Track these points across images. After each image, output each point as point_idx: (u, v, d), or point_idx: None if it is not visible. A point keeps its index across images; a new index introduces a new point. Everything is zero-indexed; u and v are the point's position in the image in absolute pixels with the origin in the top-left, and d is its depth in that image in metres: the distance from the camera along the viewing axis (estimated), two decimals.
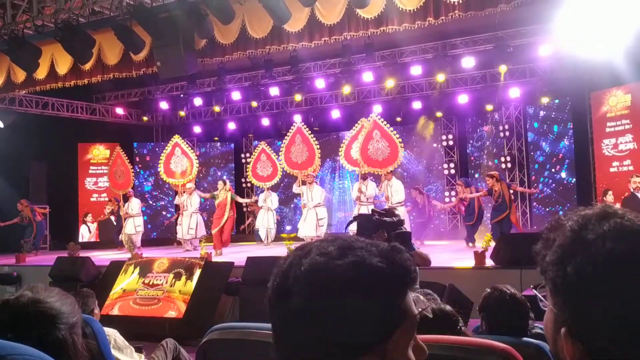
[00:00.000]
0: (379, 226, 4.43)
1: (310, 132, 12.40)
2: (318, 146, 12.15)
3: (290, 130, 12.54)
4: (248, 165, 16.76)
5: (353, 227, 5.60)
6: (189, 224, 13.11)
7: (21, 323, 1.39)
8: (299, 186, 12.32)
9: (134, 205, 13.79)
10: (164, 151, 13.39)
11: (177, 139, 13.29)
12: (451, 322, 2.42)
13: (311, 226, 12.03)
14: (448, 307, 2.51)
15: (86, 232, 16.14)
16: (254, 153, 13.69)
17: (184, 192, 13.15)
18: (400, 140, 10.96)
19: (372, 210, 4.77)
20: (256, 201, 14.71)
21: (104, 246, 14.92)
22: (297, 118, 16.11)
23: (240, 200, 13.67)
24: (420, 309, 0.93)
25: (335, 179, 16.93)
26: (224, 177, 15.10)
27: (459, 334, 2.38)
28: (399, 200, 11.45)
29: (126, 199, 13.93)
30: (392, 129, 11.09)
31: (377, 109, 15.13)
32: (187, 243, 13.26)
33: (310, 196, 12.16)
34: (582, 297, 0.86)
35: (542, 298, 0.95)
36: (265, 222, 13.58)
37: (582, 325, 0.87)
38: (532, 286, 1.00)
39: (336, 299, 0.86)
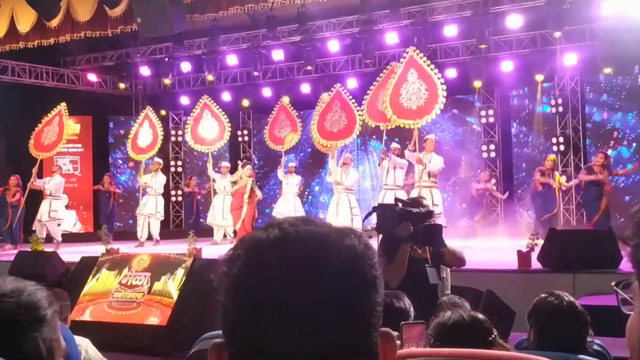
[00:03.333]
0: (404, 218, 4.42)
1: (349, 95, 12.46)
2: (360, 112, 12.01)
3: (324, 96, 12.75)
4: (246, 145, 16.95)
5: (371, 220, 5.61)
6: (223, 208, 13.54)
7: None
8: (333, 159, 12.34)
9: (55, 183, 13.48)
10: (192, 114, 14.35)
11: (205, 99, 14.23)
12: (483, 331, 2.43)
13: (346, 214, 11.97)
14: (481, 315, 2.53)
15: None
16: (272, 112, 14.48)
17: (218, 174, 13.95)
18: (442, 80, 10.47)
19: (396, 198, 4.75)
20: None
21: (84, 239, 15.07)
22: (305, 87, 16.09)
23: (259, 193, 13.43)
24: None
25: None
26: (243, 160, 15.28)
27: (492, 346, 2.39)
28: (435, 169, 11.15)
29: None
30: (431, 65, 10.65)
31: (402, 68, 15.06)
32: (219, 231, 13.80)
33: (345, 179, 12.16)
34: None
35: (628, 298, 0.94)
36: (284, 211, 13.17)
37: None
38: (613, 283, 0.99)
39: None
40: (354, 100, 12.31)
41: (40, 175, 13.66)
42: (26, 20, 10.86)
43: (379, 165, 11.75)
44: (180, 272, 8.22)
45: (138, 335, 7.85)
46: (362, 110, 11.79)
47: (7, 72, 15.47)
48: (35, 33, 11.04)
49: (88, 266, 9.08)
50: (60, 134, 13.64)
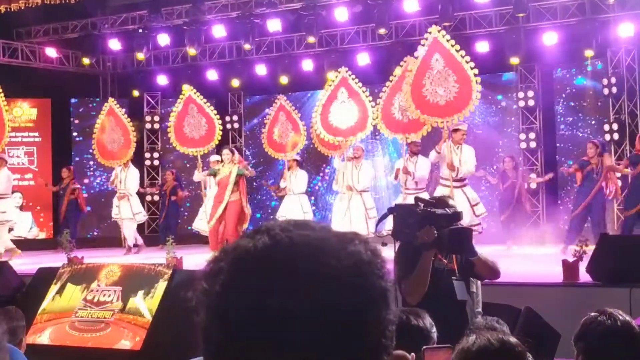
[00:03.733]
0: (426, 220, 4.41)
1: (358, 81, 12.37)
2: (372, 102, 12.01)
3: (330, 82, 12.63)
4: (236, 133, 17.00)
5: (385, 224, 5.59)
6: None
7: None
8: (340, 158, 12.43)
9: (2, 180, 13.29)
10: (174, 109, 14.07)
11: (190, 91, 13.86)
12: (515, 358, 2.44)
13: (359, 217, 12.00)
14: (512, 339, 2.53)
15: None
16: (270, 113, 14.31)
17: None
18: (475, 72, 10.31)
19: (416, 198, 4.75)
20: (277, 187, 14.78)
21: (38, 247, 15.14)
22: (308, 64, 16.09)
23: (250, 172, 13.13)
24: None
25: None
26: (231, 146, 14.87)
27: None
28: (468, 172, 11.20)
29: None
30: (462, 52, 10.49)
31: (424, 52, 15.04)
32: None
33: (357, 176, 12.21)
34: None
35: None
36: (290, 212, 13.41)
37: None
38: None
39: None
40: (364, 88, 12.25)
41: None
42: None
43: (395, 179, 11.71)
44: (157, 286, 8.24)
45: None
46: (375, 107, 11.79)
47: None
48: None
49: (47, 279, 9.10)
50: (1, 121, 13.44)
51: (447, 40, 10.46)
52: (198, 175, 13.70)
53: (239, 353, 0.88)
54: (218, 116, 13.88)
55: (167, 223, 15.50)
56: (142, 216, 14.28)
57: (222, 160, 12.64)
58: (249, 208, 12.96)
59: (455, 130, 10.76)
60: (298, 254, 0.90)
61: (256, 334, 0.88)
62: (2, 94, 13.57)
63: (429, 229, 4.40)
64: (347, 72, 12.45)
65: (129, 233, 13.91)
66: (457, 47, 10.45)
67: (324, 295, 0.88)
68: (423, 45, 10.62)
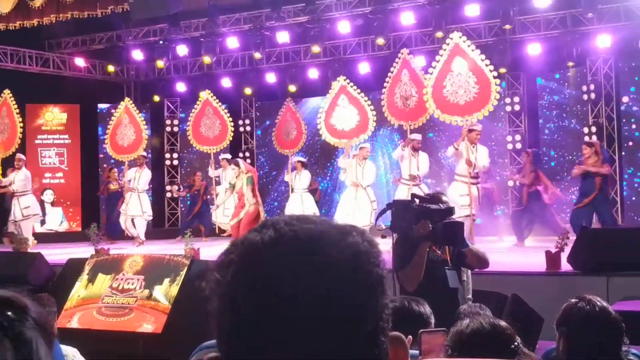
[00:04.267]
0: (422, 215, 4.41)
1: (356, 88, 12.48)
2: (371, 106, 12.16)
3: (330, 91, 12.71)
4: (248, 136, 17.09)
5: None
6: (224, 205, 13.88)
7: None
8: (345, 158, 12.47)
9: (21, 179, 13.45)
10: (192, 111, 14.63)
11: (208, 95, 14.47)
12: (504, 339, 2.43)
13: (365, 212, 11.97)
14: (502, 322, 2.53)
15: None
16: (279, 114, 14.96)
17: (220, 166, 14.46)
18: (494, 73, 10.21)
19: (413, 194, 4.75)
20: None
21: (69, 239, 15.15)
22: (313, 72, 16.08)
23: (237, 188, 12.86)
24: None
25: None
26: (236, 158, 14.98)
27: (514, 355, 2.40)
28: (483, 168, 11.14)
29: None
30: (482, 56, 10.37)
31: (420, 61, 14.99)
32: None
33: (362, 173, 12.22)
34: None
35: None
36: (293, 209, 13.53)
37: None
38: None
39: None
40: (362, 94, 12.35)
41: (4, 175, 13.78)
42: (7, 0, 10.89)
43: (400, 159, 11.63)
44: (176, 275, 8.25)
45: (130, 344, 7.88)
46: (371, 105, 11.95)
47: None
48: (18, 13, 11.08)
49: (76, 269, 9.12)
50: (14, 126, 13.69)
51: (468, 46, 10.39)
52: (213, 172, 14.16)
53: (248, 337, 0.89)
54: (231, 119, 14.19)
55: (200, 221, 15.37)
56: (148, 215, 14.06)
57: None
58: (264, 212, 13.19)
59: (471, 130, 10.63)
60: (301, 246, 0.90)
61: (264, 319, 0.88)
62: (13, 99, 13.84)
63: (424, 223, 4.39)
64: (345, 80, 12.53)
65: (141, 228, 13.83)
66: (478, 51, 10.40)
67: (326, 283, 0.88)
68: (444, 50, 10.50)
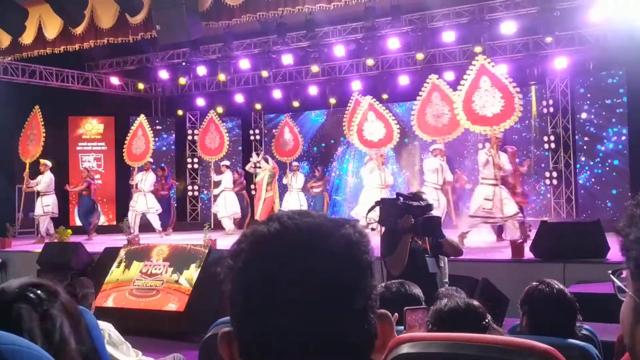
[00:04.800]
0: (405, 211, 4.42)
1: (380, 104, 12.61)
2: (394, 120, 12.40)
3: (358, 107, 12.71)
4: (257, 143, 17.17)
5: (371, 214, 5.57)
6: (225, 203, 14.34)
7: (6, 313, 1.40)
8: (373, 165, 12.51)
9: (46, 181, 13.78)
10: (200, 127, 15.50)
11: (213, 114, 15.17)
12: (477, 316, 2.44)
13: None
14: (475, 302, 2.54)
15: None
16: (278, 127, 15.44)
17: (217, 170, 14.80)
18: (517, 89, 9.92)
19: (397, 193, 4.74)
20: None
21: (105, 231, 15.15)
22: (313, 90, 16.10)
23: (258, 178, 14.10)
24: None
25: (352, 159, 16.77)
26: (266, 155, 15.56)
27: (486, 330, 2.40)
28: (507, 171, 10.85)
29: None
30: (505, 74, 10.25)
31: (404, 80, 15.01)
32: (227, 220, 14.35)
33: (384, 177, 12.34)
34: None
35: (622, 285, 0.94)
36: (290, 204, 14.00)
37: None
38: (609, 272, 0.99)
39: None
40: (387, 111, 12.51)
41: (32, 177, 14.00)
42: (53, 28, 10.88)
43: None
44: (196, 262, 8.26)
45: (157, 320, 7.89)
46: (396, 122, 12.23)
47: (36, 75, 15.50)
48: (62, 39, 11.07)
49: (111, 256, 9.13)
50: (39, 136, 13.96)
51: (492, 66, 10.31)
52: (214, 176, 14.71)
53: (256, 314, 0.89)
54: (227, 134, 14.95)
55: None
56: (155, 210, 14.04)
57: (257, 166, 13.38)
58: (279, 203, 13.89)
59: (492, 139, 10.34)
60: (302, 237, 0.91)
61: (269, 300, 0.88)
62: (40, 111, 14.18)
63: (407, 218, 4.40)
64: (371, 99, 12.63)
65: (155, 221, 13.90)
66: (502, 70, 10.26)
67: (322, 268, 0.89)
68: (471, 69, 10.35)
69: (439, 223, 4.53)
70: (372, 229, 9.49)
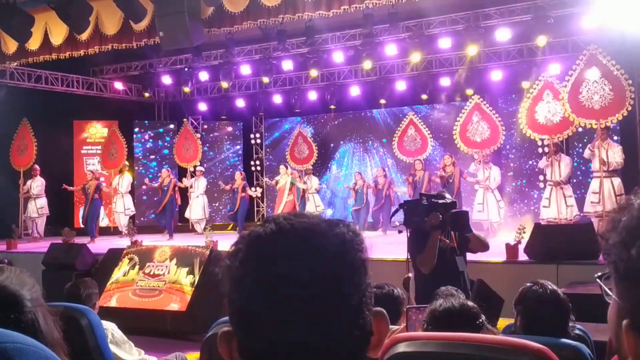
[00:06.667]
0: (432, 208, 4.41)
1: (488, 106, 12.49)
2: (500, 121, 12.28)
3: (464, 110, 12.67)
4: (258, 147, 17.16)
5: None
6: (200, 206, 14.99)
7: None
8: (477, 165, 12.60)
9: (37, 184, 14.45)
10: (177, 136, 15.99)
11: (186, 124, 15.95)
12: (471, 316, 2.44)
13: (494, 209, 12.24)
14: (470, 302, 2.54)
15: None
16: (292, 137, 15.77)
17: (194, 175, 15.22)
18: (629, 82, 9.31)
19: (421, 194, 4.76)
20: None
21: (109, 232, 15.17)
22: (312, 95, 16.11)
23: (300, 185, 14.47)
24: None
25: (354, 161, 16.83)
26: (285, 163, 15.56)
27: (480, 330, 2.40)
28: (567, 176, 11.11)
29: (28, 176, 14.61)
30: (617, 65, 9.48)
31: (401, 85, 15.02)
32: (197, 224, 14.99)
33: (490, 176, 12.40)
34: None
35: (607, 289, 0.94)
36: (309, 207, 14.12)
37: None
38: (596, 275, 1.00)
39: None
40: (494, 111, 12.44)
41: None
42: (59, 34, 10.88)
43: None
44: (198, 263, 8.25)
45: (160, 320, 7.88)
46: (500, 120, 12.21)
47: (41, 80, 15.50)
48: (67, 45, 11.07)
49: (115, 257, 9.13)
50: (30, 146, 14.55)
51: (604, 57, 9.57)
52: (185, 182, 15.23)
53: (253, 313, 0.89)
54: (200, 142, 15.77)
55: (236, 215, 15.12)
56: (131, 212, 14.87)
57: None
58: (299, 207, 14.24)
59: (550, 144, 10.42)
60: (297, 236, 0.91)
61: (266, 298, 0.88)
62: (29, 124, 14.78)
63: (435, 215, 4.39)
64: (479, 99, 12.61)
65: (124, 222, 14.22)
66: (614, 62, 9.55)
67: (317, 267, 0.89)
68: (579, 62, 9.87)
69: (467, 217, 4.54)
70: (400, 232, 9.58)
